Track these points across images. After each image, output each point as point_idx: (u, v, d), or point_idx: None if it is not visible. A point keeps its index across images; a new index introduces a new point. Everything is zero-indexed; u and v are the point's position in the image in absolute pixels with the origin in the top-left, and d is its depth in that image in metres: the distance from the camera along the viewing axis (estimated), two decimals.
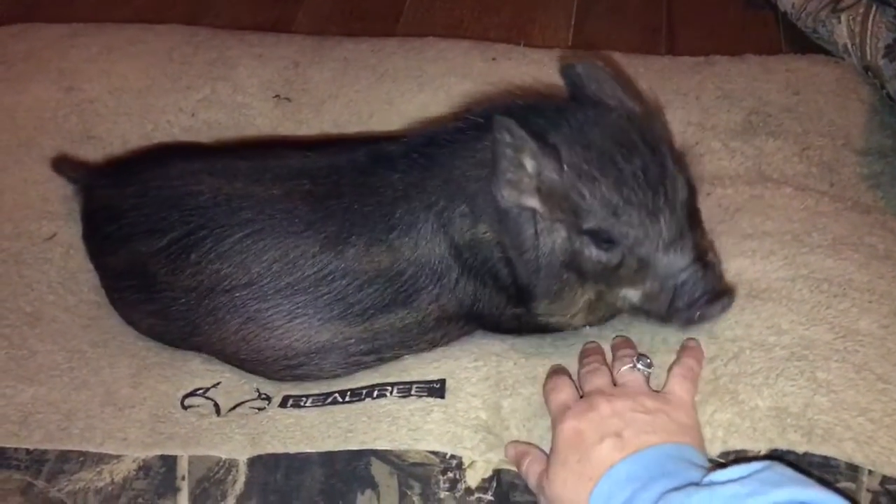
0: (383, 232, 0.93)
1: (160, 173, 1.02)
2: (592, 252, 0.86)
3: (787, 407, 0.82)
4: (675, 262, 0.84)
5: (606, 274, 0.87)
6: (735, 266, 0.98)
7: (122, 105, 1.34)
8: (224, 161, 1.02)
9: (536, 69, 1.34)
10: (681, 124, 1.23)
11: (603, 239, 0.84)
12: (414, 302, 0.94)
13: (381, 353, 0.96)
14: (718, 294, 0.86)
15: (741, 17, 1.70)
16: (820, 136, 1.21)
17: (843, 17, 1.40)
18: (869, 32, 1.35)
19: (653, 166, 0.84)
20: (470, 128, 0.94)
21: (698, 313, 0.85)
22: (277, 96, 1.35)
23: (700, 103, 1.27)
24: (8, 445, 0.88)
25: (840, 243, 1.00)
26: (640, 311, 0.89)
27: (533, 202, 0.87)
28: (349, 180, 0.96)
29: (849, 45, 1.38)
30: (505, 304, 0.95)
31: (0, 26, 1.50)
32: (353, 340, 0.95)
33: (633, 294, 0.88)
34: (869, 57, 1.34)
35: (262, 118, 1.34)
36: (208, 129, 1.33)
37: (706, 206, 1.07)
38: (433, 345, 0.97)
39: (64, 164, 1.22)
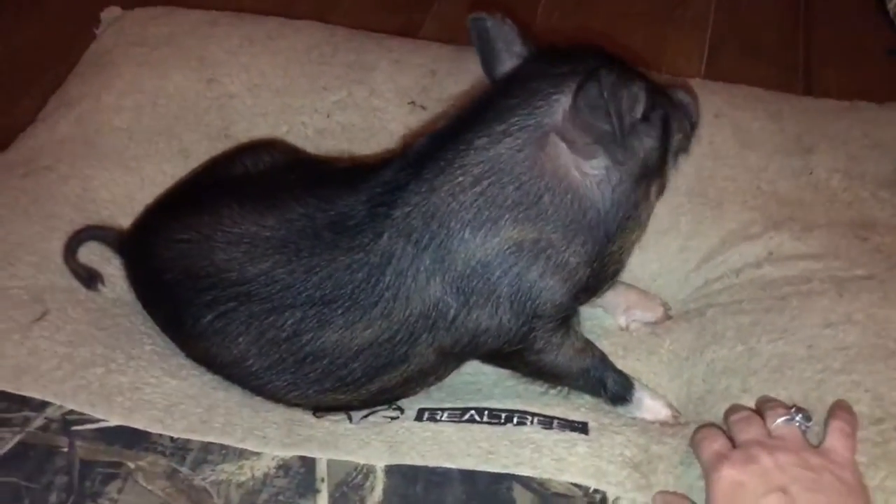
0: (366, 309, 0.87)
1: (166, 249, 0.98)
2: (654, 135, 0.88)
3: None
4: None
5: (664, 150, 0.90)
6: None
7: (260, 103, 1.34)
8: (224, 225, 0.94)
9: None
10: (825, 170, 1.20)
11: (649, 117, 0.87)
12: (411, 353, 0.90)
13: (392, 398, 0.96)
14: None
15: (882, 62, 1.66)
16: None
17: None
18: None
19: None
20: (431, 153, 0.87)
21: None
22: (413, 103, 1.35)
23: (847, 149, 1.23)
24: (154, 431, 0.89)
25: None
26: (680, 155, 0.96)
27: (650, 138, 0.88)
28: (322, 252, 0.89)
29: None
30: (516, 330, 0.88)
31: (140, 7, 1.51)
32: (354, 405, 0.95)
33: (675, 149, 0.94)
34: None
35: (395, 123, 1.33)
36: (342, 130, 1.33)
37: (863, 251, 1.05)
38: (439, 379, 0.96)
39: (92, 233, 1.11)
